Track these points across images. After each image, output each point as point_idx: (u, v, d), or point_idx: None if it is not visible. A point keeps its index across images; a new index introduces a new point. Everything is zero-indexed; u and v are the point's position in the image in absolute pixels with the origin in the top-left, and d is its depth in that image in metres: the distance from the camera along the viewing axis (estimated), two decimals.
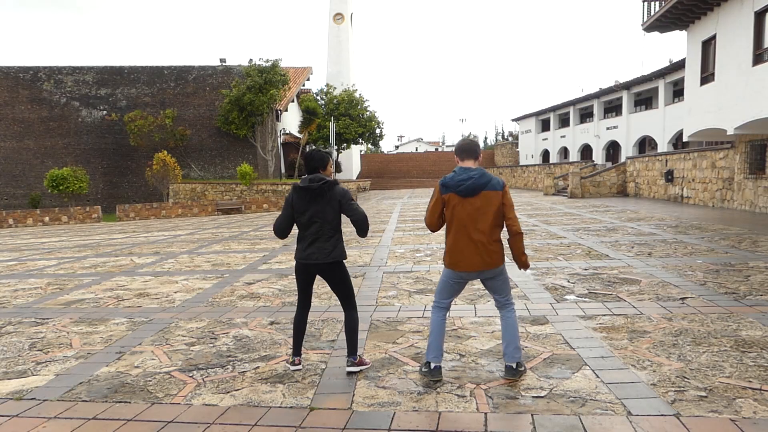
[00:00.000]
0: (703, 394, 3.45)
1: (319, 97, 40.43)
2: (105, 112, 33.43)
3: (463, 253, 3.72)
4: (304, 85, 41.19)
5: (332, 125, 31.72)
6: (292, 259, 9.72)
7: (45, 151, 33.18)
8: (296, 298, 4.62)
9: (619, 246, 9.70)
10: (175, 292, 7.27)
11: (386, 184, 46.08)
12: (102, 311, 6.38)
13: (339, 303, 4.24)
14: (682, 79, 22.44)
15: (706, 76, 16.33)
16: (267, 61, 31.43)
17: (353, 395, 3.64)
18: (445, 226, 3.87)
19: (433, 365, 3.78)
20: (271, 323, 5.51)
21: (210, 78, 33.83)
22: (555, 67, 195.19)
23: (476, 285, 6.22)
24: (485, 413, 3.29)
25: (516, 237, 3.76)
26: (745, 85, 13.78)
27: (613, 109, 36.93)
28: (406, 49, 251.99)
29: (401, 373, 4.02)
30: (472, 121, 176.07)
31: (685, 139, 18.60)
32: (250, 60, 31.87)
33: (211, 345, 4.87)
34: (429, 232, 10.25)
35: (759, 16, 13.36)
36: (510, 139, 58.67)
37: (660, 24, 17.54)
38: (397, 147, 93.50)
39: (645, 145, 32.24)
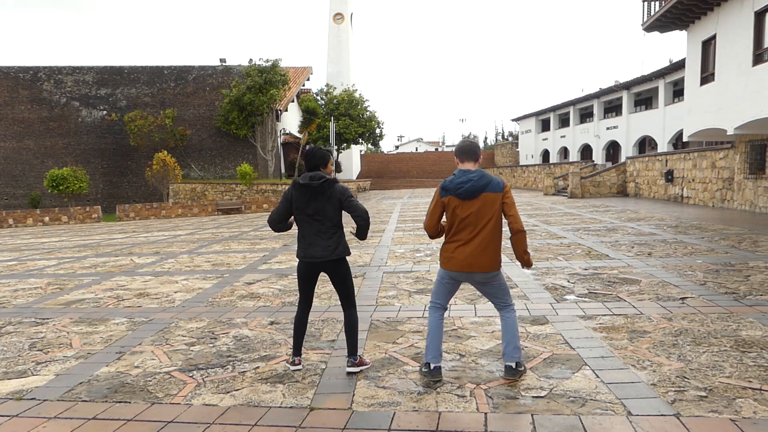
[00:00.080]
0: (703, 394, 3.45)
1: (319, 97, 40.44)
2: (105, 112, 33.43)
3: (456, 252, 3.72)
4: (304, 85, 41.18)
5: (332, 125, 31.74)
6: (292, 259, 9.73)
7: (45, 151, 33.18)
8: (296, 298, 4.62)
9: (619, 246, 9.70)
10: (175, 292, 7.27)
11: (386, 184, 46.07)
12: (102, 311, 6.38)
13: (339, 303, 4.24)
14: (682, 79, 22.45)
15: (706, 76, 16.34)
16: (267, 61, 31.44)
17: (353, 395, 3.64)
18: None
19: (432, 366, 3.78)
20: (271, 323, 5.51)
21: (210, 78, 33.83)
22: (555, 67, 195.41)
23: None
24: (485, 413, 3.29)
25: (518, 235, 3.71)
26: (745, 85, 13.78)
27: (613, 109, 36.93)
28: (406, 49, 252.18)
29: (401, 373, 4.02)
30: (472, 121, 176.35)
31: (685, 139, 18.59)
32: (250, 60, 31.90)
33: (211, 345, 4.88)
34: None
35: (759, 16, 13.36)
36: (510, 139, 58.67)
37: (660, 24, 17.54)
38: (397, 147, 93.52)
39: (645, 145, 32.24)
